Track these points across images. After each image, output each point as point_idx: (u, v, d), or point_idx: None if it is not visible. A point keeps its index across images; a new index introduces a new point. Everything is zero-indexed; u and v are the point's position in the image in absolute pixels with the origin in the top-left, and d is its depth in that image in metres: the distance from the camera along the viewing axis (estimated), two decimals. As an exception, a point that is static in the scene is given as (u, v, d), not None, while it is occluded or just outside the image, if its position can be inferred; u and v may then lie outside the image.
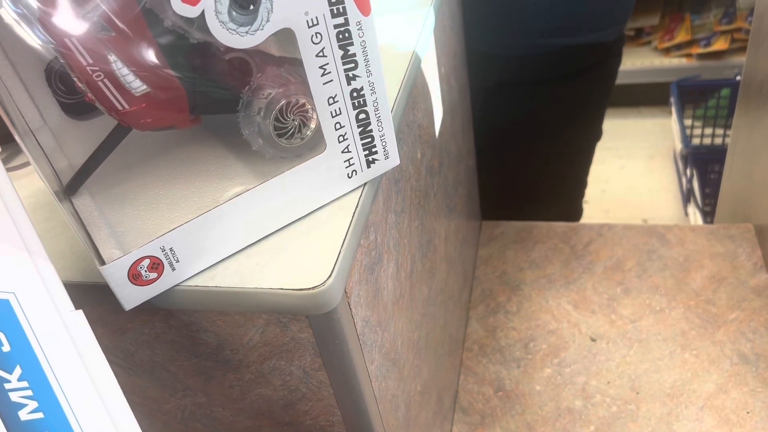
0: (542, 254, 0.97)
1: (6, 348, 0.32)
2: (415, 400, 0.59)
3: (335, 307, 0.38)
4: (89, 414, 0.34)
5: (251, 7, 0.32)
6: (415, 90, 0.55)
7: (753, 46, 0.94)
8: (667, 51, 1.99)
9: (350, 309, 0.40)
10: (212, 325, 0.40)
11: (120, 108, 0.37)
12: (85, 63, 0.35)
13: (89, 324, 0.35)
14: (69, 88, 0.42)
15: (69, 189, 0.42)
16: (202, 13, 0.31)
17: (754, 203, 0.95)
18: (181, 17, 0.30)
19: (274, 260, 0.39)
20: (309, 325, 0.39)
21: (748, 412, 0.74)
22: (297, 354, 0.41)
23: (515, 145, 1.01)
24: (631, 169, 1.89)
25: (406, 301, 0.56)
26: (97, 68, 0.35)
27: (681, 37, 1.95)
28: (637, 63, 1.98)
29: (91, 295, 0.40)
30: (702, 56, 1.92)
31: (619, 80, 1.02)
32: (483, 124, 0.96)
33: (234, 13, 0.31)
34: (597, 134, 1.04)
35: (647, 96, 2.01)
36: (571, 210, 1.15)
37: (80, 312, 0.35)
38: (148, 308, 0.40)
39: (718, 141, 1.72)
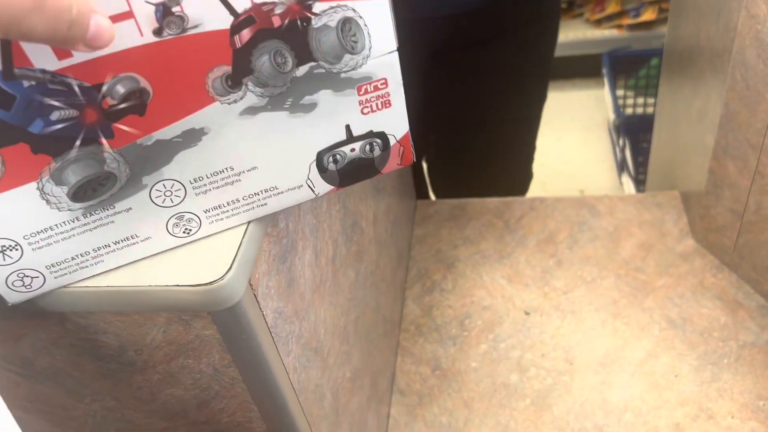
0: (476, 230, 0.97)
1: None
2: (344, 387, 0.58)
3: (239, 301, 0.36)
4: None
5: None
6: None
7: (673, 14, 0.95)
8: (598, 23, 2.01)
9: (257, 302, 0.38)
10: (111, 326, 0.38)
11: None
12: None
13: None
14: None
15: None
16: None
17: (679, 170, 0.97)
18: None
19: (170, 255, 0.36)
20: (212, 322, 0.37)
21: (675, 376, 0.75)
22: (204, 351, 0.39)
23: (461, 117, 0.99)
24: (567, 141, 1.92)
25: (329, 288, 0.54)
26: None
27: (611, 8, 1.97)
28: (570, 35, 2.00)
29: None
30: (632, 27, 1.95)
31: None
32: (423, 101, 0.93)
33: None
34: (543, 96, 1.02)
35: (581, 68, 2.04)
36: (523, 175, 1.13)
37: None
38: (40, 313, 0.38)
39: (650, 110, 1.76)
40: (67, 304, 0.37)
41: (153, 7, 0.29)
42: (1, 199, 0.32)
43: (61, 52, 0.29)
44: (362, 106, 0.36)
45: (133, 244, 0.36)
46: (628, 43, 1.91)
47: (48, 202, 0.33)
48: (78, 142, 0.31)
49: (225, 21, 0.31)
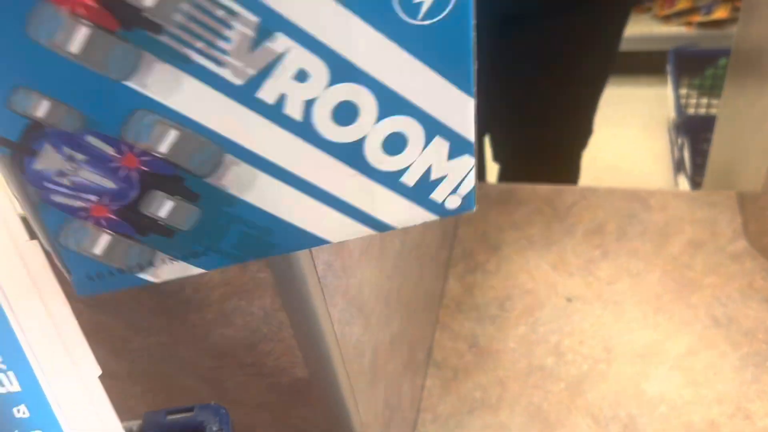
0: (524, 216, 0.97)
1: (-41, 274, 0.33)
2: (383, 349, 0.60)
3: (293, 247, 0.38)
4: (43, 341, 0.34)
5: None
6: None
7: (745, 12, 0.93)
8: (666, 18, 1.97)
9: (310, 251, 0.40)
10: (173, 262, 0.41)
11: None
12: None
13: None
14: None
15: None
16: None
17: (737, 170, 0.95)
18: None
19: (233, 199, 0.39)
20: (267, 265, 0.39)
21: (715, 373, 0.75)
22: (257, 294, 0.41)
23: (524, 90, 0.99)
24: (624, 137, 1.89)
25: (376, 252, 0.56)
26: None
27: (682, 4, 1.92)
28: (636, 30, 1.96)
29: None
30: (702, 25, 1.90)
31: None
32: (488, 74, 0.94)
33: None
34: (605, 75, 1.04)
35: (644, 64, 2.00)
36: (576, 161, 1.14)
37: (35, 242, 0.35)
38: (109, 244, 0.40)
39: (714, 111, 1.72)
40: (135, 237, 0.39)
41: None
42: None
43: None
44: None
45: None
46: (695, 41, 1.86)
47: None
48: None
49: None
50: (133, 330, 0.48)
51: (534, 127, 1.06)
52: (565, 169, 1.14)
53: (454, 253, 0.95)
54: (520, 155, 1.10)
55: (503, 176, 1.15)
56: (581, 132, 1.10)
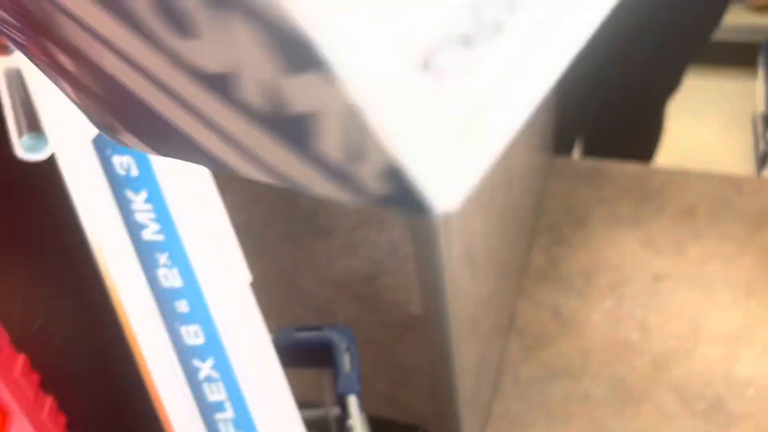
0: (612, 193, 0.96)
1: (134, 172, 0.35)
2: (481, 303, 0.61)
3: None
4: (203, 244, 0.37)
5: None
6: None
7: None
8: (760, 9, 1.89)
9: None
10: (311, 188, 0.42)
11: None
12: None
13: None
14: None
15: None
16: None
17: (841, 161, 0.92)
18: None
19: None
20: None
21: (809, 361, 0.73)
22: (388, 225, 0.43)
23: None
24: (705, 129, 1.84)
25: (486, 205, 0.57)
26: None
27: (778, -5, 1.85)
28: (726, 20, 1.89)
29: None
30: (798, 18, 1.82)
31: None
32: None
33: None
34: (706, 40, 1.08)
35: (732, 56, 1.93)
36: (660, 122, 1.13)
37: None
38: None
39: (804, 108, 1.65)
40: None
41: None
42: None
43: None
44: None
45: None
46: (790, 35, 1.79)
47: None
48: None
49: None
50: (258, 256, 0.50)
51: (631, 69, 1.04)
52: (651, 117, 1.10)
53: (539, 225, 0.95)
54: (611, 103, 1.06)
55: (590, 137, 1.10)
56: (673, 83, 1.07)
